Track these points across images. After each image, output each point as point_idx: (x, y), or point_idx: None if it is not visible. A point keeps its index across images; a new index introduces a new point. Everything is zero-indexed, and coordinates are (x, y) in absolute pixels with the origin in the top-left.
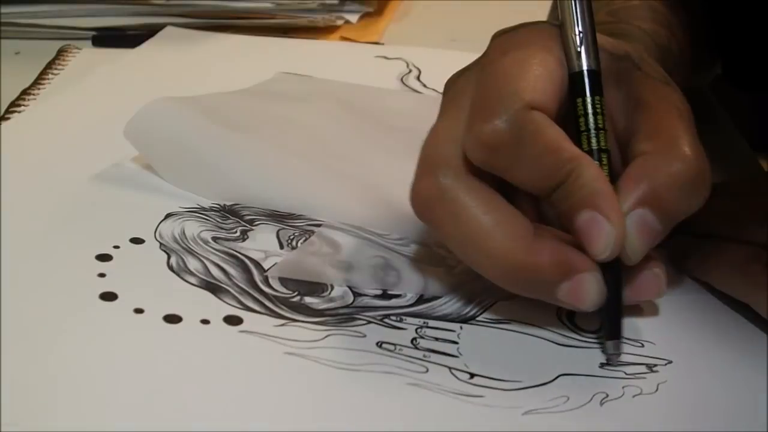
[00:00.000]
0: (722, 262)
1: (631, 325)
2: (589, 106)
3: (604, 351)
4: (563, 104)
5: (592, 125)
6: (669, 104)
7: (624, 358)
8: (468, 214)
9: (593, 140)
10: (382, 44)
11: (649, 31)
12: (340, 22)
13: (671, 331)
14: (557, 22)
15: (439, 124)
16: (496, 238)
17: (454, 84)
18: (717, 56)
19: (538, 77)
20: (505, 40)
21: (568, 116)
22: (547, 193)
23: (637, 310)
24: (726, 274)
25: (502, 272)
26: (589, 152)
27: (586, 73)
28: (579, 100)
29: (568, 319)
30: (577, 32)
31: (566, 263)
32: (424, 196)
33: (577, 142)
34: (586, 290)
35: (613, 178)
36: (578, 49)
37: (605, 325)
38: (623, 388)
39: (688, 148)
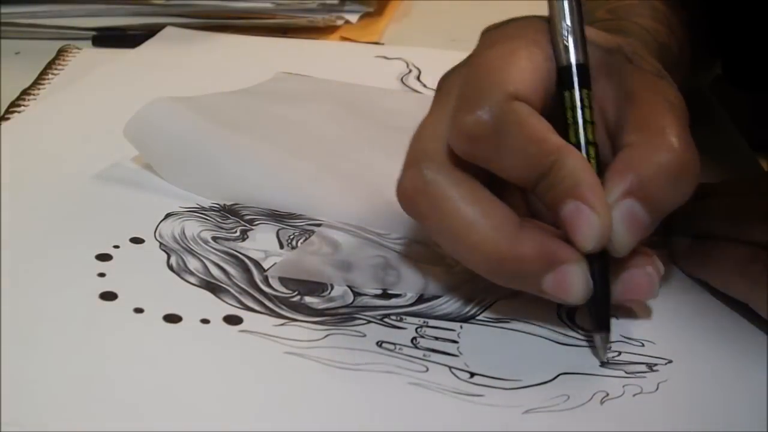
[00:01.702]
0: (722, 263)
1: (631, 324)
2: (577, 100)
3: (591, 345)
4: (550, 97)
5: (579, 118)
6: (659, 96)
7: (624, 357)
8: (451, 206)
9: (581, 133)
10: (382, 44)
11: (649, 29)
12: (340, 22)
13: (671, 331)
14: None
15: (426, 119)
16: (480, 229)
17: (445, 81)
18: (716, 56)
19: (522, 69)
20: (493, 34)
21: (557, 110)
22: (532, 185)
23: (638, 310)
24: (725, 274)
25: (486, 264)
26: (577, 145)
27: (574, 66)
28: (567, 93)
29: (569, 318)
30: (564, 26)
31: (550, 254)
32: (409, 190)
33: (565, 136)
34: (571, 281)
35: (602, 171)
36: (566, 43)
37: (592, 318)
38: (623, 387)
39: (676, 139)
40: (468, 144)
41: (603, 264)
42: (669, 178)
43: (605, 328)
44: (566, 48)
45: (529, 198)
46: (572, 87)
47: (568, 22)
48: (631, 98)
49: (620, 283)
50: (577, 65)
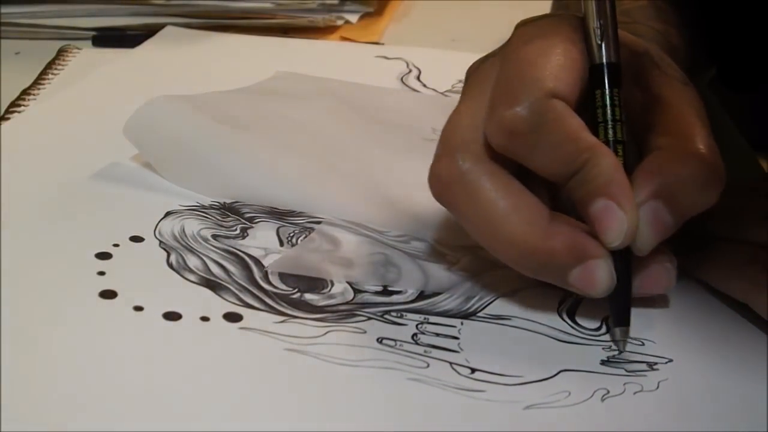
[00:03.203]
0: (721, 263)
1: (631, 324)
2: (608, 98)
3: (612, 337)
4: (583, 95)
5: (609, 117)
6: (686, 102)
7: (625, 355)
8: (486, 197)
9: (610, 131)
10: (382, 44)
11: (662, 31)
12: (340, 22)
13: (672, 331)
14: (581, 14)
15: (461, 107)
16: (513, 221)
17: (476, 70)
18: (712, 57)
19: (560, 66)
20: (528, 29)
21: (586, 107)
22: (564, 181)
23: (637, 307)
24: (725, 274)
25: (517, 255)
26: (606, 143)
27: (605, 65)
28: (598, 91)
29: (569, 316)
30: (598, 24)
31: (579, 248)
32: (443, 178)
33: (595, 133)
34: (598, 276)
35: (629, 170)
36: (599, 42)
37: (613, 312)
38: (624, 384)
39: (704, 146)
40: (506, 138)
41: (626, 261)
42: (696, 184)
43: (626, 322)
44: (599, 47)
45: (555, 191)
46: (603, 85)
47: (602, 20)
48: (659, 102)
49: (641, 278)
50: (609, 64)
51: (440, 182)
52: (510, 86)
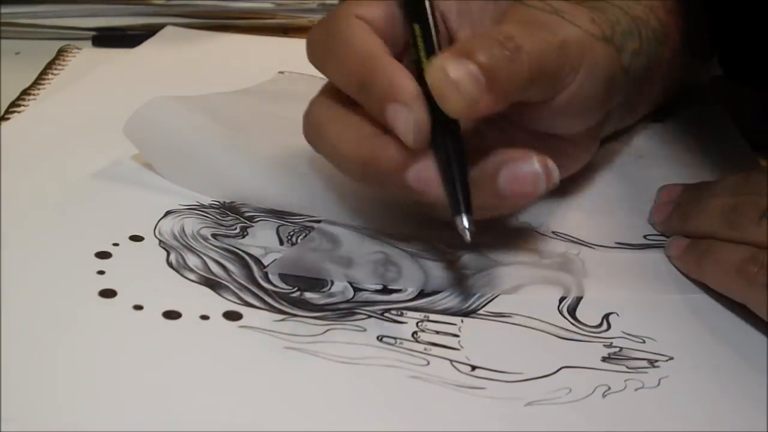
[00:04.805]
0: (719, 264)
1: (632, 322)
2: (418, 29)
3: (457, 227)
4: (401, 32)
5: (417, 43)
6: (522, 14)
7: (625, 352)
8: (330, 131)
9: (422, 53)
10: None
11: (623, 6)
12: None
13: (672, 329)
14: None
15: None
16: (350, 142)
17: None
18: (714, 48)
19: (374, 3)
20: None
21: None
22: (357, 94)
23: (638, 306)
24: (723, 275)
25: (356, 169)
26: (418, 61)
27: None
28: (416, 25)
29: (570, 313)
30: None
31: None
32: (305, 127)
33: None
34: (404, 118)
35: None
36: None
37: (452, 201)
38: (625, 381)
39: (506, 26)
40: (308, 51)
41: (456, 146)
42: (492, 38)
43: (467, 209)
44: None
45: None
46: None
47: None
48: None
49: (504, 177)
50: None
51: (304, 131)
52: (328, 14)
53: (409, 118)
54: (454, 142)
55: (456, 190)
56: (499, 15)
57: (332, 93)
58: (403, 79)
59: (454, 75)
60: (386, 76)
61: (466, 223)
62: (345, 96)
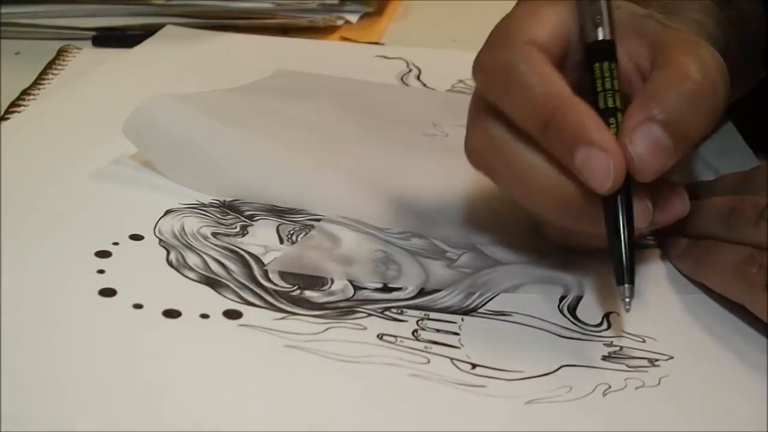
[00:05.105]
0: (718, 264)
1: (631, 321)
2: (606, 71)
3: (618, 296)
4: (571, 57)
5: (607, 87)
6: (684, 42)
7: (625, 351)
8: (518, 157)
9: (610, 100)
10: (382, 44)
11: (699, 21)
12: (340, 22)
13: (672, 329)
14: None
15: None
16: (547, 174)
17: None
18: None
19: (546, 22)
20: None
21: (582, 82)
22: (538, 131)
23: (638, 305)
24: (722, 276)
25: (557, 203)
26: (605, 110)
27: (603, 42)
28: (596, 64)
29: (570, 312)
30: (598, 3)
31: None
32: (477, 147)
33: (593, 103)
34: (599, 163)
35: None
36: (597, 20)
37: (616, 269)
38: (626, 380)
39: (695, 67)
40: (483, 79)
41: (628, 216)
42: (688, 102)
43: (630, 280)
44: (598, 23)
45: None
46: (602, 59)
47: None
48: (660, 49)
49: (656, 209)
50: (605, 41)
51: (475, 151)
52: (494, 35)
53: (607, 164)
54: (626, 200)
55: (623, 260)
56: (654, 45)
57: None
58: (595, 123)
59: (664, 144)
60: (577, 119)
61: (628, 294)
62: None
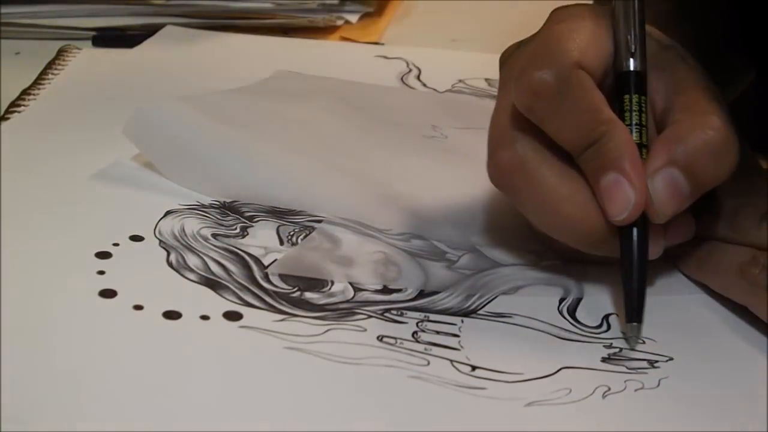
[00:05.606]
0: (719, 266)
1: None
2: (635, 104)
3: (623, 333)
4: (607, 78)
5: (635, 120)
6: (703, 86)
7: (625, 353)
8: (547, 183)
9: (635, 134)
10: (382, 44)
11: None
12: (340, 22)
13: (671, 329)
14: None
15: (500, 103)
16: (575, 204)
17: (510, 57)
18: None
19: (587, 43)
20: (561, 11)
21: (613, 104)
22: (579, 151)
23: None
24: (724, 277)
25: (582, 235)
26: None
27: (635, 73)
28: (626, 96)
29: (570, 314)
30: (630, 32)
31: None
32: (504, 167)
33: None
34: (624, 193)
35: None
36: (631, 50)
37: (627, 307)
38: (625, 382)
39: (719, 120)
40: (530, 98)
41: (642, 256)
42: (711, 153)
43: (638, 319)
44: (631, 55)
45: None
46: (631, 91)
47: (636, 30)
48: (680, 87)
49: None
50: (638, 72)
51: (500, 171)
52: (539, 53)
53: (630, 197)
54: (642, 239)
55: (633, 299)
56: (673, 84)
57: (549, 144)
58: (633, 154)
59: (683, 189)
60: (618, 145)
61: (635, 333)
62: (552, 143)
